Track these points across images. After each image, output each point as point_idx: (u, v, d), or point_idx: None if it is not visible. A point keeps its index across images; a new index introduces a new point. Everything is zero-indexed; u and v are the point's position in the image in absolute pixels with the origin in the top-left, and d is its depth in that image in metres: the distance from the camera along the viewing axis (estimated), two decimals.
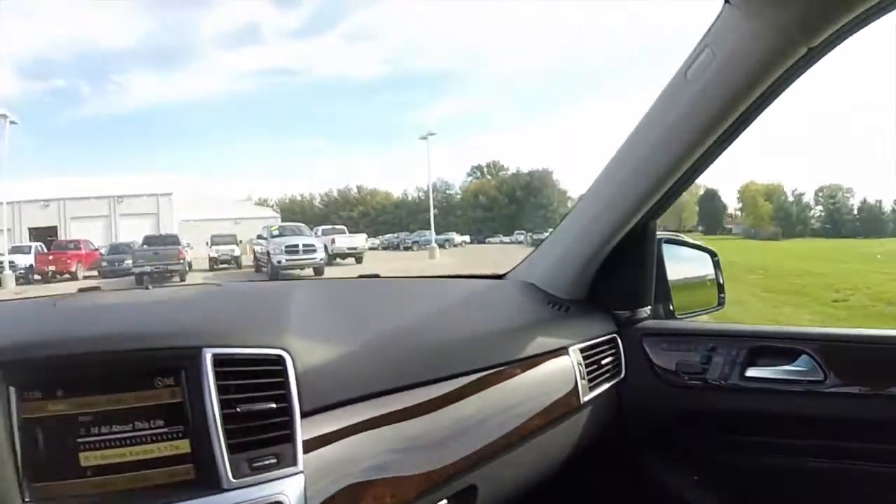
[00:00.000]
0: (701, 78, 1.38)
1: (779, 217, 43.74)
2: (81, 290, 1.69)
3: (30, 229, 27.11)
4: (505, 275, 2.03)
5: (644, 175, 1.59)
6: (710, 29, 1.35)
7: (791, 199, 46.14)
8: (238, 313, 1.30)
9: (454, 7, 66.12)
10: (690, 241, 2.16)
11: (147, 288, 1.67)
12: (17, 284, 19.04)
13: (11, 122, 23.63)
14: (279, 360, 1.07)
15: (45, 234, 25.49)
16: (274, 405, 1.02)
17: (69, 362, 1.00)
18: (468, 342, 1.45)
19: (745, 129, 1.47)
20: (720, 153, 1.54)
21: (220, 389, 1.00)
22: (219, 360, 1.02)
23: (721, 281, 2.08)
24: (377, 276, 2.07)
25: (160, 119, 55.88)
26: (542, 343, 1.56)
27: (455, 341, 1.43)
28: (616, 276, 1.83)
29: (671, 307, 1.93)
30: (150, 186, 29.98)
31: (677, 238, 2.05)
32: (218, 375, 1.01)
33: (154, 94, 52.77)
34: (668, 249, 1.92)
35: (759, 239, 37.79)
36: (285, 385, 1.05)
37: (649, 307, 1.89)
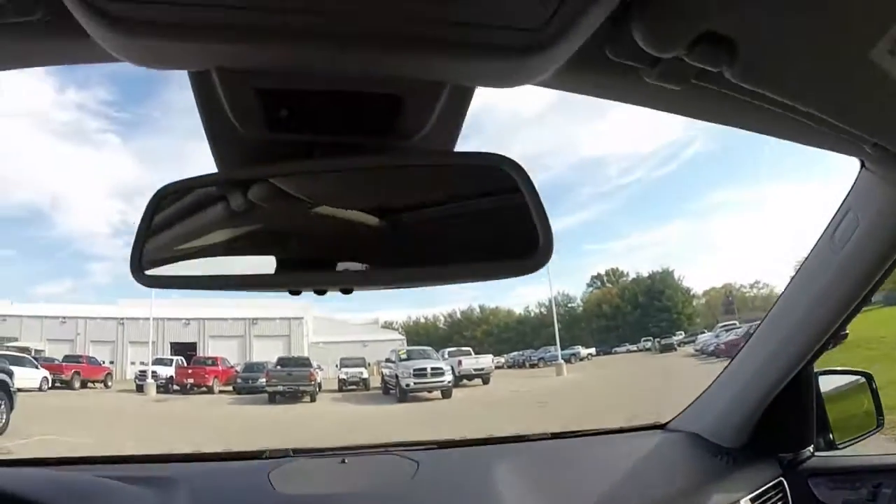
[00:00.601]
0: (847, 242, 1.49)
1: None
2: (272, 455, 1.89)
3: (172, 344, 28.92)
4: (667, 424, 2.12)
5: (806, 328, 1.70)
6: (851, 190, 1.45)
7: None
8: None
9: (560, 125, 67.23)
10: (843, 368, 2.14)
11: (342, 461, 1.79)
12: (157, 392, 20.39)
13: None
14: None
15: (185, 349, 27.06)
16: None
17: None
18: None
19: (892, 272, 1.54)
20: (871, 297, 1.63)
21: None
22: None
23: (879, 402, 2.04)
24: (547, 434, 2.16)
25: None
26: (716, 501, 1.63)
27: None
28: (778, 419, 1.85)
29: (831, 436, 1.92)
30: (282, 311, 31.33)
31: (831, 369, 2.04)
32: None
33: None
34: (823, 379, 1.92)
35: None
36: None
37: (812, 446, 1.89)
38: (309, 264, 0.95)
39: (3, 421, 12.20)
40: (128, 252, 0.95)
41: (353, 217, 0.95)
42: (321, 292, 0.96)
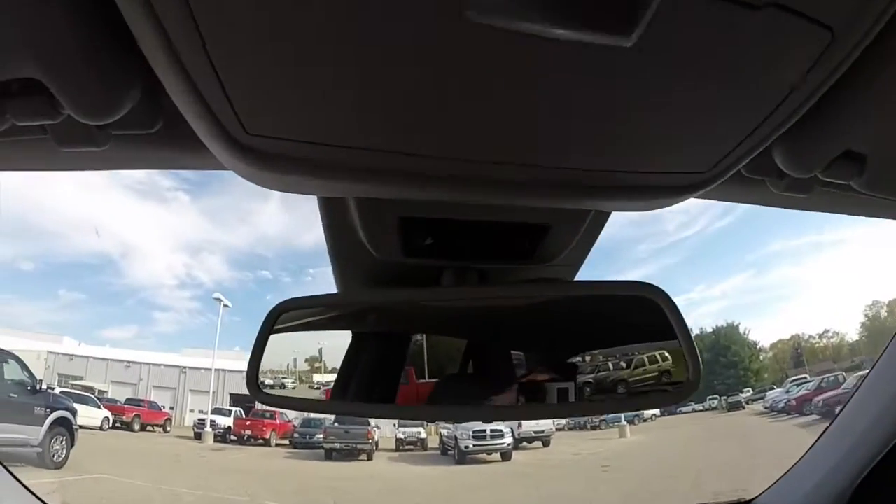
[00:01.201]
0: None
1: None
2: None
3: (231, 395, 29.17)
4: (752, 501, 2.01)
5: None
6: None
7: None
8: None
9: None
10: None
11: None
12: (214, 441, 20.76)
13: (225, 305, 26.95)
14: None
15: (244, 401, 27.14)
16: None
17: None
18: None
19: None
20: None
21: None
22: None
23: None
24: None
25: None
26: None
27: None
28: (872, 495, 1.75)
29: None
30: None
31: None
32: None
33: None
34: None
35: None
36: None
37: None
38: (443, 396, 0.90)
39: (63, 456, 12.57)
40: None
41: (481, 350, 0.88)
42: (457, 421, 0.90)
